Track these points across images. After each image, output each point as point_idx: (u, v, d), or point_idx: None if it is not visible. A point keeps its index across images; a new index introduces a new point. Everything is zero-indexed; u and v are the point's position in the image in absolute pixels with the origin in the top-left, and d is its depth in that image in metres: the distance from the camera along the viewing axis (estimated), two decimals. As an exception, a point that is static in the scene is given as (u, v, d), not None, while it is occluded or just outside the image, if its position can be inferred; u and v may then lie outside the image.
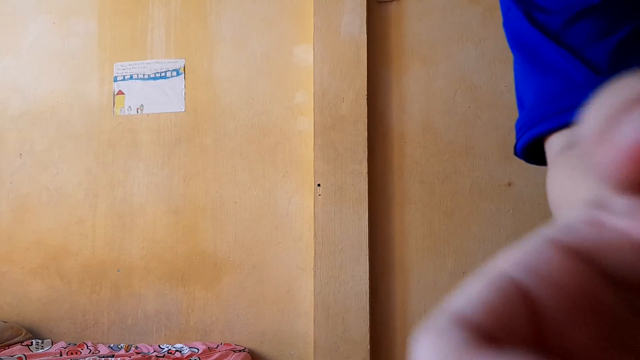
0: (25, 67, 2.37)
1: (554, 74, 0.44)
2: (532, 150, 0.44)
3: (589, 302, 0.13)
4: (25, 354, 1.88)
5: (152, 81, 2.25)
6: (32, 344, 2.02)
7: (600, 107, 0.13)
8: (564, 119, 0.42)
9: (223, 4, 2.23)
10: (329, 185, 2.00)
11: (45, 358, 1.87)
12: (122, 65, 2.28)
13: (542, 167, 0.46)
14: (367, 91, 2.01)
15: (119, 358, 1.88)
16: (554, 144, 0.43)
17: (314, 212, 2.00)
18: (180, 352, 1.94)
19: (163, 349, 2.00)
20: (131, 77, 2.27)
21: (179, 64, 2.24)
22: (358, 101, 2.01)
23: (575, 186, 0.36)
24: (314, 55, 2.06)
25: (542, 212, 1.93)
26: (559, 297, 0.13)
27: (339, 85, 2.03)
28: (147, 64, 2.26)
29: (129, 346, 2.05)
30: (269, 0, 2.19)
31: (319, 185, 2.00)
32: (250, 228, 2.12)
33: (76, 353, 1.95)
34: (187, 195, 2.18)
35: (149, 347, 2.03)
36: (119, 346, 2.06)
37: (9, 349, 1.93)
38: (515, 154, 0.47)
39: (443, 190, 2.00)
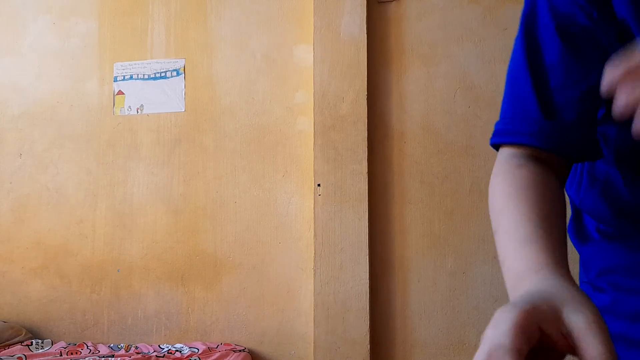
0: (25, 67, 2.37)
1: (521, 105, 0.60)
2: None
3: (535, 343, 0.38)
4: (25, 354, 1.88)
5: (152, 81, 2.25)
6: (32, 344, 2.02)
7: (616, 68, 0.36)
8: (514, 139, 0.60)
9: (223, 4, 2.23)
10: (329, 185, 1.99)
11: (45, 358, 1.88)
12: (122, 65, 2.28)
13: None
14: (367, 91, 2.01)
15: (119, 358, 1.88)
16: (503, 152, 0.61)
17: (314, 212, 2.00)
18: (180, 352, 1.94)
19: (163, 349, 2.00)
20: (131, 77, 2.27)
21: (179, 64, 2.24)
22: (358, 101, 2.01)
23: (499, 216, 0.57)
24: (314, 55, 2.06)
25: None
26: (531, 340, 0.37)
27: (339, 85, 2.03)
28: (147, 64, 2.26)
29: (129, 346, 2.05)
30: (269, 0, 2.19)
31: (319, 185, 2.00)
32: (250, 228, 2.12)
33: (76, 353, 1.95)
34: (187, 195, 2.18)
35: (149, 347, 2.03)
36: (119, 346, 2.06)
37: (9, 349, 1.94)
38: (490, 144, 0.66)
39: (443, 190, 2.00)
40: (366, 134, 1.99)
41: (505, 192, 0.57)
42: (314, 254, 1.98)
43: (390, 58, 2.09)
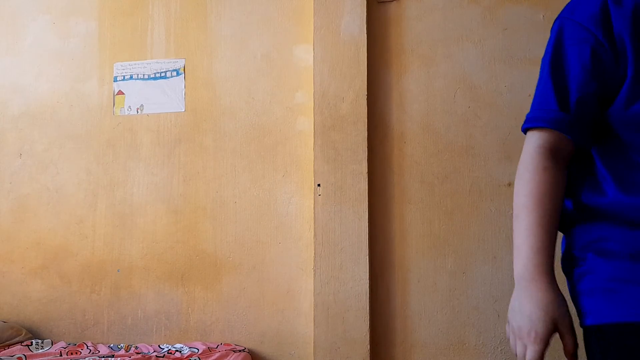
0: (25, 67, 2.37)
1: (545, 101, 0.84)
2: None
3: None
4: (25, 354, 1.88)
5: (152, 81, 2.25)
6: (32, 344, 2.02)
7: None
8: (539, 124, 0.84)
9: (223, 4, 2.23)
10: (329, 185, 1.99)
11: (45, 358, 1.88)
12: (122, 65, 2.28)
13: None
14: (367, 91, 2.01)
15: (119, 358, 1.88)
16: (530, 140, 0.86)
17: (314, 212, 2.00)
18: (180, 352, 1.94)
19: (163, 349, 2.00)
20: (131, 77, 2.27)
21: (179, 64, 2.24)
22: (358, 101, 2.01)
23: (516, 222, 0.84)
24: (314, 55, 2.06)
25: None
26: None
27: (339, 85, 2.03)
28: (147, 64, 2.26)
29: (129, 346, 2.05)
30: (269, 0, 2.19)
31: (319, 185, 2.00)
32: (250, 228, 2.12)
33: (76, 353, 1.95)
34: (187, 195, 2.18)
35: (149, 347, 2.03)
36: (119, 346, 2.06)
37: (9, 349, 1.94)
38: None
39: (443, 190, 2.00)
40: (366, 134, 1.99)
41: (531, 194, 0.82)
42: (314, 254, 1.98)
43: (390, 58, 2.09)
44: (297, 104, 2.13)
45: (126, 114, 2.26)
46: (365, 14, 2.04)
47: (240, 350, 1.97)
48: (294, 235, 2.08)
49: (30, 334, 2.15)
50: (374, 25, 2.08)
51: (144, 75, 2.26)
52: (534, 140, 0.84)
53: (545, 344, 0.78)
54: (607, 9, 0.76)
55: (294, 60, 2.15)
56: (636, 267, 0.76)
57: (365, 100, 2.01)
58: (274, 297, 2.07)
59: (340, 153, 2.00)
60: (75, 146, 2.28)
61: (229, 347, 1.98)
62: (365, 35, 2.03)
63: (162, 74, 2.24)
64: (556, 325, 0.78)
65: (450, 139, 2.02)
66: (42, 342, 2.06)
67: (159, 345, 2.05)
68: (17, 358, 1.82)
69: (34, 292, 2.24)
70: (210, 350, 1.93)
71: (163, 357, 1.89)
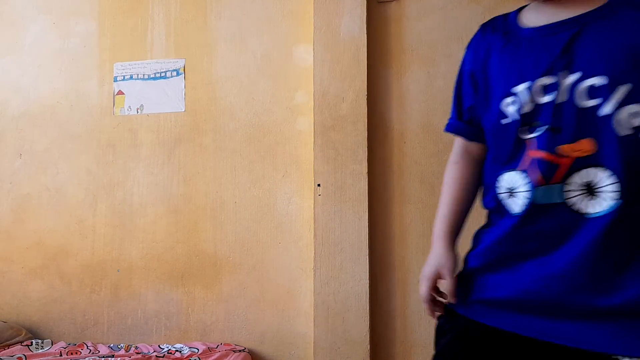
0: (25, 67, 2.37)
1: (452, 109, 1.09)
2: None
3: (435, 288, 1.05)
4: (25, 354, 1.88)
5: (152, 81, 2.25)
6: (32, 344, 2.02)
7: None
8: (446, 129, 1.09)
9: (223, 3, 2.23)
10: (329, 185, 1.99)
11: (45, 358, 1.88)
12: (122, 65, 2.28)
13: None
14: (367, 91, 2.01)
15: (119, 358, 1.88)
16: (455, 142, 1.09)
17: (314, 212, 2.00)
18: (180, 352, 1.94)
19: (163, 349, 2.00)
20: (131, 77, 2.27)
21: (179, 64, 2.24)
22: (358, 101, 2.01)
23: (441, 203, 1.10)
24: (314, 55, 2.06)
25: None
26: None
27: (339, 85, 2.03)
28: (147, 64, 2.26)
29: (129, 346, 2.05)
30: (269, 0, 2.19)
31: (319, 185, 2.00)
32: (250, 228, 2.12)
33: (76, 353, 1.95)
34: (187, 195, 2.18)
35: (149, 347, 2.03)
36: (119, 346, 2.06)
37: (9, 349, 1.94)
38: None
39: (443, 190, 2.00)
40: (366, 134, 1.99)
41: (445, 182, 1.08)
42: (314, 254, 1.98)
43: (390, 58, 2.09)
44: (297, 104, 2.13)
45: (126, 114, 2.26)
46: (365, 14, 2.04)
47: (240, 350, 1.97)
48: (294, 235, 2.08)
49: (30, 334, 2.15)
50: (374, 25, 2.08)
51: (144, 75, 2.26)
52: (454, 142, 1.08)
53: (429, 282, 1.02)
54: (478, 45, 1.09)
55: (294, 60, 2.15)
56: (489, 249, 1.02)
57: (365, 100, 2.01)
58: (274, 297, 2.07)
59: (340, 153, 2.00)
60: (75, 146, 2.29)
61: (229, 347, 1.98)
62: (365, 35, 2.03)
63: (162, 74, 2.24)
64: (439, 271, 1.02)
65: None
66: (42, 342, 2.06)
67: (159, 345, 2.05)
68: (17, 358, 1.82)
69: (34, 292, 2.24)
70: (210, 350, 1.93)
71: (163, 357, 1.90)
